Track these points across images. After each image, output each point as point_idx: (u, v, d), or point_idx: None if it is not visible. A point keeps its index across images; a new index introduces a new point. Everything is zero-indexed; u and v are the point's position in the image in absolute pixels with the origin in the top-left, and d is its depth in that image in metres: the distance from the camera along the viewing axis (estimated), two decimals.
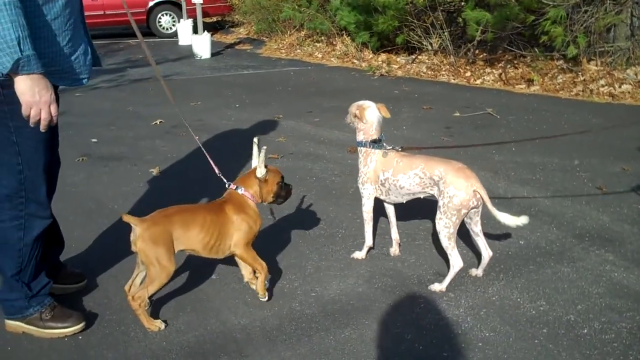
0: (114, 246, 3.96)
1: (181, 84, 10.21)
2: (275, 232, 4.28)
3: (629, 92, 8.13)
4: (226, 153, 6.06)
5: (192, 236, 3.12)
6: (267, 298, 3.41)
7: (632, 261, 3.78)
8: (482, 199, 3.34)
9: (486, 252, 3.59)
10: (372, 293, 3.53)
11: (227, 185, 3.34)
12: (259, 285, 3.36)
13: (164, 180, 5.52)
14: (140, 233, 3.01)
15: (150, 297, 3.18)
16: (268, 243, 4.02)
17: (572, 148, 6.05)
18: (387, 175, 3.63)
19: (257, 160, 3.24)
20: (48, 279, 3.18)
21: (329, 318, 3.28)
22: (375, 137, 3.65)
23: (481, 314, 3.29)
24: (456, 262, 3.45)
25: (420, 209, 4.32)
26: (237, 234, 3.23)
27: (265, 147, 3.22)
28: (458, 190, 3.31)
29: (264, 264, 3.33)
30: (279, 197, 3.38)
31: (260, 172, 3.26)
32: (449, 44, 10.73)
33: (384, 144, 3.67)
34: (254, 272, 3.40)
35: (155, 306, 3.39)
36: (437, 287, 3.51)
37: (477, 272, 3.65)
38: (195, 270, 3.74)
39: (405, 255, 3.95)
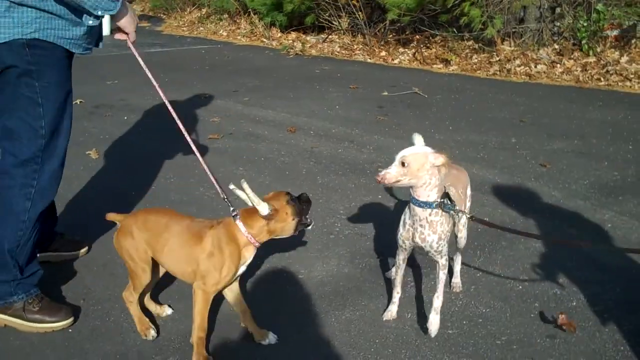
0: (70, 233, 3.75)
1: (88, 61, 9.74)
2: None
3: (544, 72, 8.46)
4: (164, 134, 5.88)
5: (158, 247, 2.76)
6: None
7: (594, 235, 3.94)
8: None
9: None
10: (359, 273, 3.52)
11: (232, 213, 2.72)
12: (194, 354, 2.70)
13: (104, 162, 5.30)
14: (118, 229, 2.84)
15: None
16: None
17: (506, 126, 6.25)
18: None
19: (251, 198, 2.63)
20: (39, 268, 3.01)
21: (324, 300, 3.25)
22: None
23: (472, 291, 3.34)
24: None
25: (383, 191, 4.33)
26: (206, 269, 2.66)
27: (243, 181, 2.63)
28: None
29: (203, 324, 2.69)
30: (301, 223, 2.76)
31: (263, 209, 2.63)
32: (363, 25, 10.80)
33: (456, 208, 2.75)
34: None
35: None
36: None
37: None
38: None
39: (380, 234, 3.95)
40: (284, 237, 2.79)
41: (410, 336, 2.96)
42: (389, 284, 3.34)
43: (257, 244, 2.71)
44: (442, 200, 2.66)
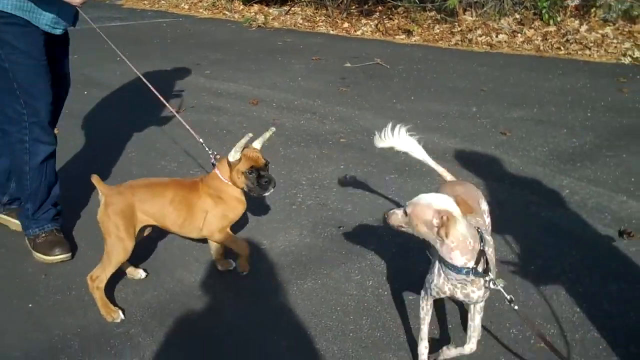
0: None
1: None
2: None
3: (505, 42, 8.51)
4: (124, 109, 5.85)
5: (156, 211, 2.91)
6: (246, 272, 3.19)
7: (553, 200, 4.00)
8: None
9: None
10: (320, 243, 3.54)
11: (212, 161, 3.02)
12: (240, 264, 3.17)
13: (66, 138, 5.20)
14: (102, 202, 2.85)
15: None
16: None
17: (467, 96, 6.29)
18: None
19: (238, 144, 2.83)
20: (50, 207, 3.39)
21: (286, 270, 3.27)
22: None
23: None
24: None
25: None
26: (208, 217, 2.94)
27: (250, 135, 2.84)
28: None
29: (243, 245, 3.10)
30: (249, 188, 2.92)
31: (233, 155, 2.84)
32: None
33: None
34: (226, 252, 3.20)
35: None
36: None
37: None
38: None
39: (341, 204, 3.97)
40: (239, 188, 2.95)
41: (372, 303, 3.00)
42: (350, 253, 3.38)
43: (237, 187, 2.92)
44: (474, 267, 2.18)
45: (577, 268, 3.25)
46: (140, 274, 3.16)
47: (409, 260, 3.33)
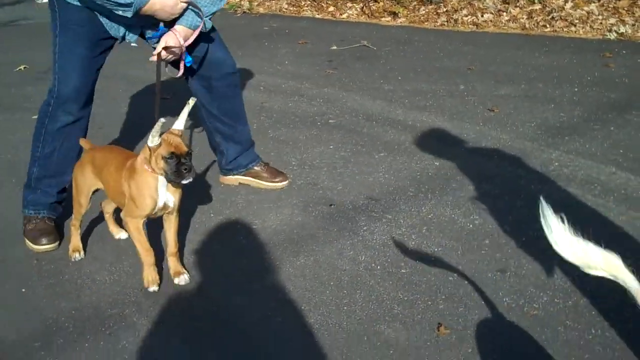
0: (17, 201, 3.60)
1: (36, 29, 9.53)
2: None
3: (491, 21, 8.51)
4: (108, 98, 5.84)
5: (102, 176, 3.02)
6: (153, 288, 2.92)
7: (542, 174, 4.02)
8: None
9: None
10: (312, 221, 3.54)
11: (148, 143, 2.72)
12: (143, 274, 2.94)
13: None
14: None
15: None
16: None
17: (454, 75, 6.29)
18: None
19: (156, 127, 2.65)
20: (48, 192, 3.40)
21: (278, 249, 3.27)
22: None
23: (424, 232, 3.39)
24: None
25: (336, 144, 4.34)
26: (127, 199, 2.83)
27: (163, 120, 2.65)
28: None
29: (145, 249, 2.88)
30: (166, 175, 2.72)
31: (151, 140, 2.66)
32: None
33: None
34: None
35: (95, 252, 3.25)
36: None
37: None
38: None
39: (331, 184, 3.98)
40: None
41: (365, 277, 3.01)
42: (342, 230, 3.41)
43: (157, 173, 2.74)
44: None
45: None
46: (121, 234, 3.34)
47: (400, 235, 3.34)
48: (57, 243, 3.32)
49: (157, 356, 2.55)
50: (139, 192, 2.76)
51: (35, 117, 5.26)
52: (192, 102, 2.78)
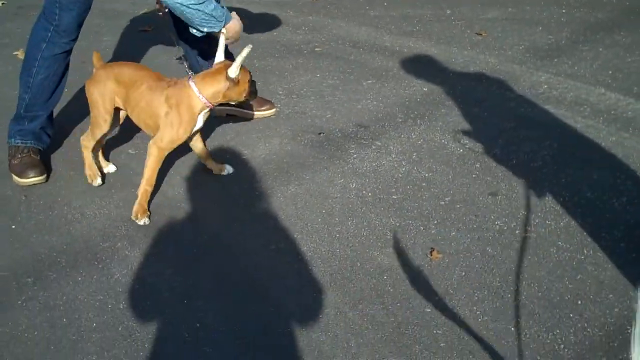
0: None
1: None
2: None
3: None
4: (86, 31, 5.71)
5: (123, 94, 2.95)
6: (145, 220, 2.93)
7: (531, 97, 3.99)
8: None
9: None
10: (301, 150, 3.52)
11: (188, 78, 2.84)
12: (135, 207, 2.94)
13: None
14: (92, 76, 3.01)
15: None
16: None
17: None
18: None
19: (241, 59, 2.76)
20: (39, 122, 3.36)
21: (269, 178, 3.25)
22: None
23: (414, 157, 3.38)
24: None
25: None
26: (162, 126, 2.85)
27: (250, 46, 2.79)
28: None
29: (152, 180, 2.94)
30: (252, 93, 2.96)
31: (234, 71, 2.77)
32: None
33: None
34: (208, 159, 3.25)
35: (84, 186, 3.21)
36: None
37: None
38: (110, 147, 3.54)
39: (320, 112, 3.94)
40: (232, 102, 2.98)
41: (356, 204, 3.00)
42: (332, 158, 3.39)
43: (209, 105, 2.85)
44: None
45: (558, 159, 3.26)
46: (110, 168, 3.34)
47: (390, 162, 3.33)
48: (44, 176, 3.27)
49: (151, 287, 2.54)
50: (191, 117, 2.84)
51: (16, 52, 5.22)
52: (248, 49, 2.79)
